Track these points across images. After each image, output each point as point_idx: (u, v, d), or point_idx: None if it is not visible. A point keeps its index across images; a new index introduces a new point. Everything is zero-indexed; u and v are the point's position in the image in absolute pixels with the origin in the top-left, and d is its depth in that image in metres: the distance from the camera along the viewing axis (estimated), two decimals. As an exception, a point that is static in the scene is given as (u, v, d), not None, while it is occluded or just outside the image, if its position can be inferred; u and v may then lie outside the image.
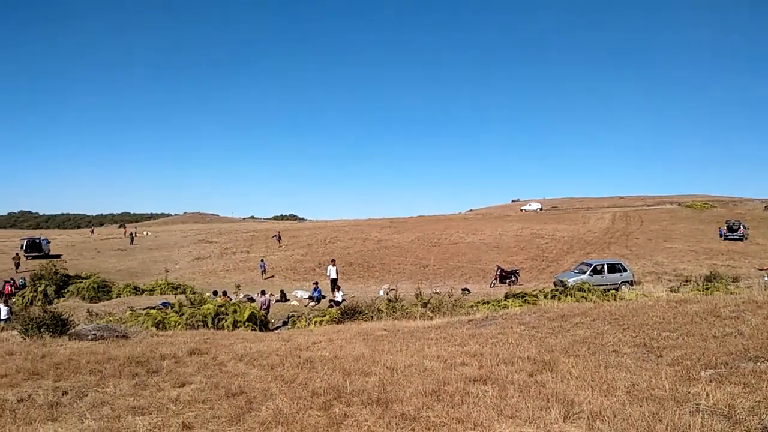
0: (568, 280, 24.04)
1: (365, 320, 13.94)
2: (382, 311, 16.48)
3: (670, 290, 20.28)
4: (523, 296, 19.74)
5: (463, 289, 26.82)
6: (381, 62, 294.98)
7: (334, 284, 25.95)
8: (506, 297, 20.77)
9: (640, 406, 4.24)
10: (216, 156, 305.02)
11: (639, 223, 51.52)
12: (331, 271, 27.06)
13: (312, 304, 24.34)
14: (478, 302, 19.06)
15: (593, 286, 22.40)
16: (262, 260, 37.82)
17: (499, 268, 31.24)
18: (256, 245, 49.74)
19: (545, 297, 18.10)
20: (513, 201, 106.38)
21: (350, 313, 15.96)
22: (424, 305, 17.14)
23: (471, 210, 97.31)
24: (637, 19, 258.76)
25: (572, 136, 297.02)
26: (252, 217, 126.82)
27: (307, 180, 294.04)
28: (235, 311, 15.82)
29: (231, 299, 20.74)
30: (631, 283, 26.58)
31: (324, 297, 25.03)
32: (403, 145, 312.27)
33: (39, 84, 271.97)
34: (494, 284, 29.87)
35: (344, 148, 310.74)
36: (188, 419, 4.53)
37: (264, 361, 6.92)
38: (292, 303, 24.65)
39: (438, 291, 24.31)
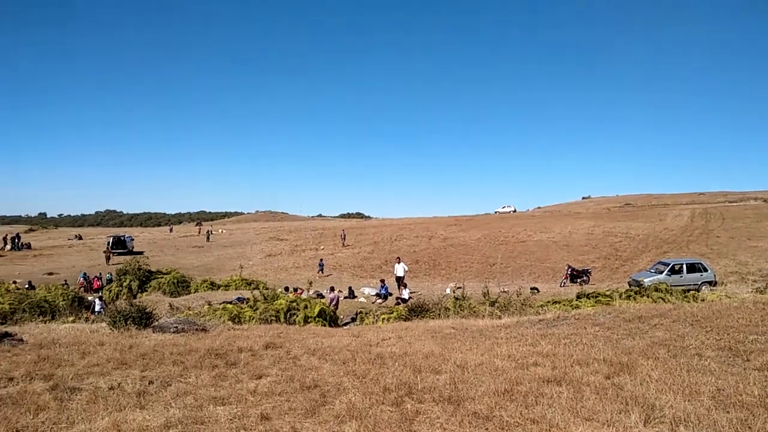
0: (644, 280, 22.98)
1: (432, 318, 13.90)
2: (450, 309, 16.33)
3: (756, 291, 18.97)
4: (595, 296, 19.03)
5: (531, 289, 26.24)
6: (446, 60, 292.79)
7: (401, 282, 26.05)
8: (578, 297, 20.11)
9: (727, 412, 4.04)
10: (286, 156, 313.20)
11: (720, 221, 48.51)
12: (398, 269, 27.16)
13: (379, 301, 24.53)
14: (548, 302, 18.57)
15: (671, 286, 21.31)
16: (321, 260, 38.69)
17: (569, 267, 30.31)
18: (324, 243, 50.71)
19: (620, 297, 17.39)
20: (583, 198, 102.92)
21: (417, 310, 15.94)
22: (492, 304, 16.86)
23: (539, 207, 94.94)
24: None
25: (647, 129, 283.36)
26: (320, 215, 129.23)
27: (372, 178, 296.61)
28: (305, 307, 16.17)
29: (302, 295, 21.26)
30: (713, 283, 25.04)
31: (391, 294, 25.18)
32: (468, 143, 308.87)
33: (125, 88, 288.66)
34: (564, 284, 29.02)
35: (409, 146, 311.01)
36: (266, 410, 4.70)
37: (336, 356, 7.07)
38: (359, 300, 24.96)
39: (506, 290, 23.88)
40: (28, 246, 53.01)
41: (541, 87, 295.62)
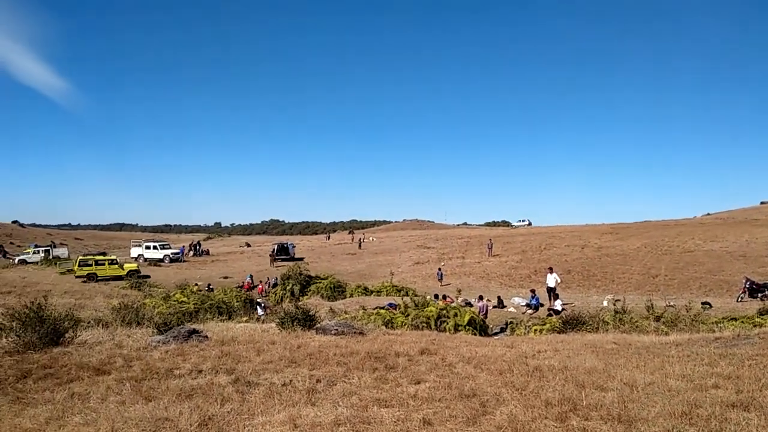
0: None
1: (589, 331, 13.23)
2: (608, 323, 15.44)
3: None
4: (782, 313, 16.75)
5: (702, 303, 23.68)
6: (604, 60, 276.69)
7: (553, 292, 25.06)
8: (760, 313, 17.80)
9: None
10: (431, 164, 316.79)
11: None
12: (550, 279, 26.16)
13: (530, 311, 23.81)
14: (724, 318, 16.70)
15: None
16: (439, 269, 38.99)
17: (747, 280, 26.84)
18: (471, 251, 50.41)
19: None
20: (762, 203, 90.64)
21: (573, 323, 15.24)
22: (657, 319, 15.64)
23: (708, 214, 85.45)
24: None
25: None
26: (464, 224, 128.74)
27: (518, 186, 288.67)
28: (455, 315, 16.24)
29: (451, 304, 21.37)
30: None
31: (542, 305, 24.31)
32: (622, 144, 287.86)
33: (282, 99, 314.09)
34: (742, 298, 25.76)
35: (554, 151, 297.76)
36: (427, 415, 4.81)
37: (491, 365, 7.01)
38: (509, 309, 24.43)
39: (672, 304, 21.86)
40: (207, 252, 59.79)
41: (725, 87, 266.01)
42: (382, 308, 19.17)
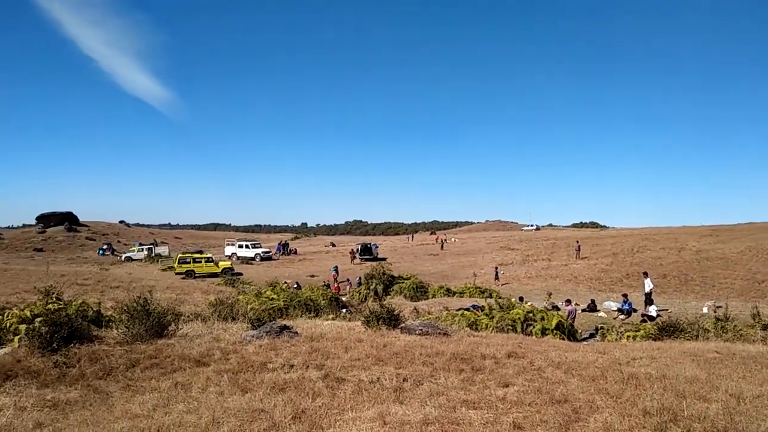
0: None
1: (688, 339, 12.49)
2: (709, 330, 14.50)
3: None
4: None
5: (821, 312, 21.68)
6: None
7: (648, 298, 23.82)
8: None
9: None
10: (514, 165, 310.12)
11: None
12: (646, 284, 24.90)
13: (621, 317, 22.75)
14: None
15: None
16: (496, 268, 39.28)
17: None
18: (557, 253, 48.81)
19: None
20: None
21: (669, 329, 14.41)
22: (765, 327, 14.47)
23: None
24: None
25: None
26: (550, 225, 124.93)
27: (607, 186, 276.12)
28: (542, 318, 15.80)
29: (537, 306, 20.84)
30: None
31: (635, 310, 23.16)
32: (720, 144, 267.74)
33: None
34: None
35: (645, 150, 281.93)
36: (517, 419, 4.74)
37: (583, 371, 6.78)
38: (599, 314, 23.47)
39: (782, 311, 20.17)
40: (295, 252, 61.91)
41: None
42: (466, 309, 18.99)
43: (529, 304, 21.20)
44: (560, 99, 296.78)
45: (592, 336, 19.09)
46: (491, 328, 14.72)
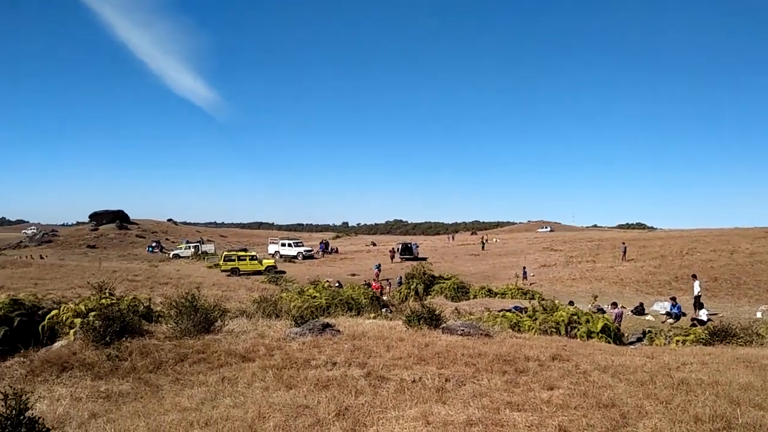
0: None
1: (741, 345, 12.02)
2: (764, 336, 13.96)
3: None
4: None
5: None
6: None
7: (698, 301, 23.05)
8: None
9: None
10: (556, 164, 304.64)
11: None
12: (695, 287, 24.11)
13: (670, 320, 22.07)
14: None
15: None
16: (524, 268, 39.47)
17: None
18: (602, 255, 47.63)
19: None
20: None
21: (721, 334, 13.89)
22: (823, 333, 13.83)
23: None
24: None
25: None
26: (594, 226, 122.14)
27: (654, 186, 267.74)
28: (588, 321, 15.47)
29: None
30: None
31: (684, 314, 22.43)
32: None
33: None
34: None
35: (696, 150, 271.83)
36: (563, 423, 4.66)
37: (630, 376, 6.61)
38: (646, 318, 22.82)
39: None
40: (336, 251, 62.53)
41: None
42: (508, 311, 18.76)
43: (573, 306, 20.81)
44: (609, 99, 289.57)
45: (639, 340, 18.62)
46: (534, 330, 14.49)
